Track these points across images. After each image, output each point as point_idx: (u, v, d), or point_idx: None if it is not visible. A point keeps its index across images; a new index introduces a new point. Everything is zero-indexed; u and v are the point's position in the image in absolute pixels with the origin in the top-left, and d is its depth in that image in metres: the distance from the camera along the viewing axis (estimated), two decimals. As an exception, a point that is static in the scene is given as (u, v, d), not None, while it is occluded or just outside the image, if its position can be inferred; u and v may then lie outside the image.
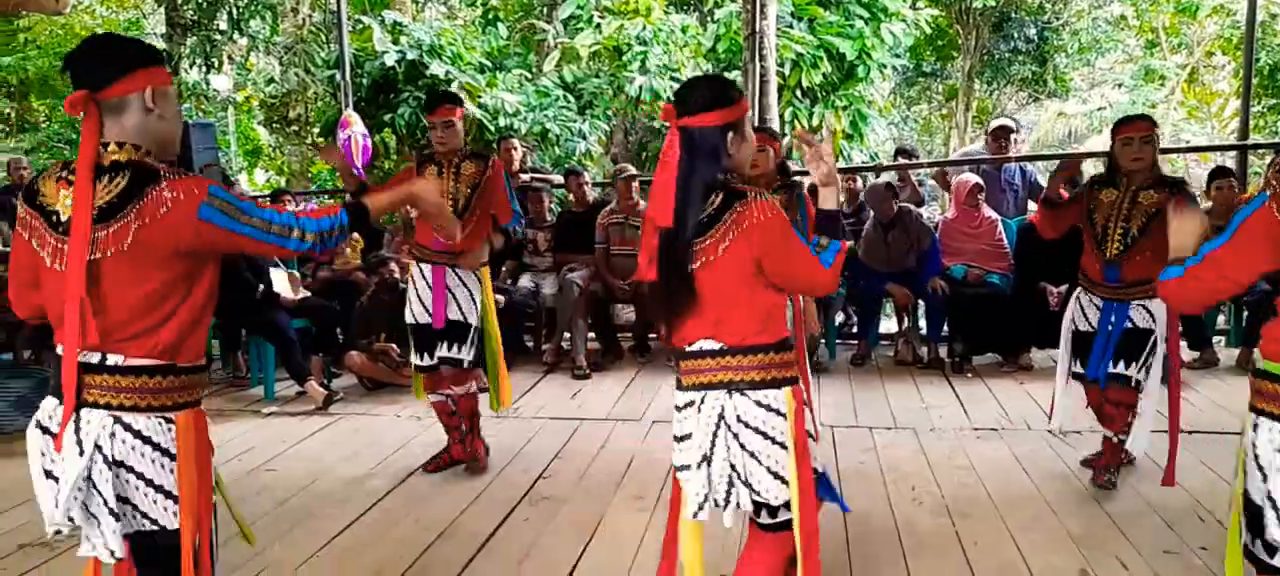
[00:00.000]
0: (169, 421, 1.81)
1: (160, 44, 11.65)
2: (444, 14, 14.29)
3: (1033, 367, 5.89)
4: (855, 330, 6.80)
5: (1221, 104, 16.62)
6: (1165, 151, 3.72)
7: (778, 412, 1.99)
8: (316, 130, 11.69)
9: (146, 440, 1.78)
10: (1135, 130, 3.54)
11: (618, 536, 3.37)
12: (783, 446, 1.99)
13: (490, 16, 12.15)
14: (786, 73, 10.08)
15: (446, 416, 4.18)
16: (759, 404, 1.99)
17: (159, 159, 1.83)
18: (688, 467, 2.05)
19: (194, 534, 1.83)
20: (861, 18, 10.66)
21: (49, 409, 1.81)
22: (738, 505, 2.04)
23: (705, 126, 1.98)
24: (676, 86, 2.17)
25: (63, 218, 1.76)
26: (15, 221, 1.87)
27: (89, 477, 1.76)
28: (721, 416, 2.00)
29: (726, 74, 10.37)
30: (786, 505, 2.03)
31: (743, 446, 2.00)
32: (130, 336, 1.76)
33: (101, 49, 1.82)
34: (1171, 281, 1.95)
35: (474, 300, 4.01)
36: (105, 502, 1.76)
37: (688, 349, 2.04)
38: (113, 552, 1.79)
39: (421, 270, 4.02)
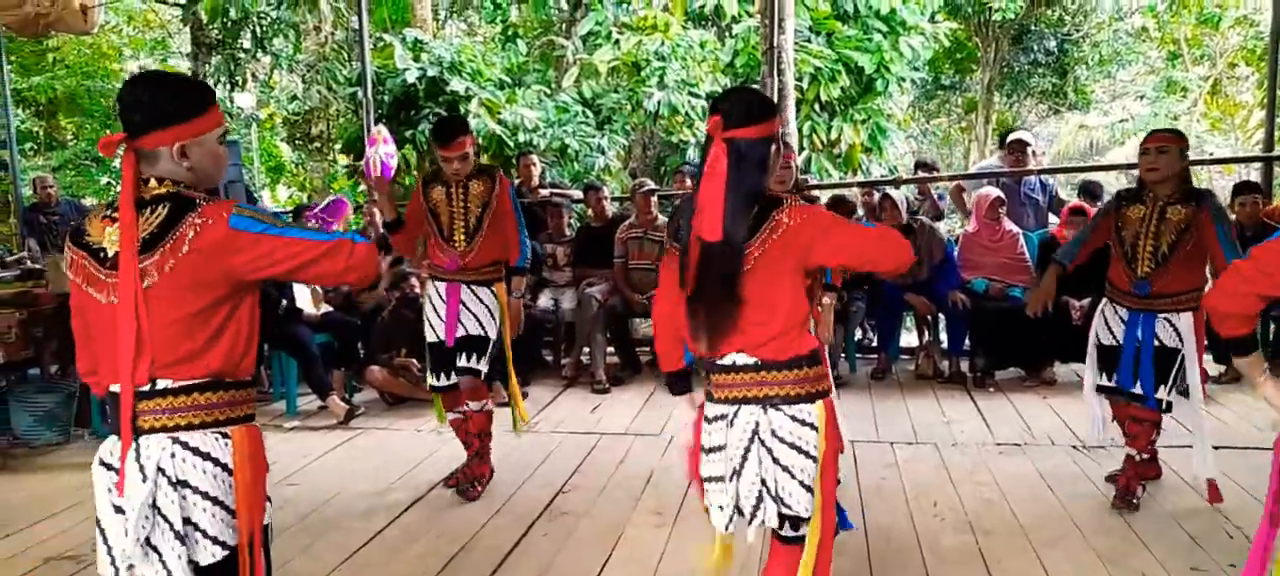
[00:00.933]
0: (225, 437, 1.84)
1: (185, 64, 11.83)
2: (464, 31, 14.43)
3: (1056, 382, 5.83)
4: (875, 344, 6.77)
5: (1245, 115, 16.45)
6: (1191, 164, 3.67)
7: (811, 426, 2.02)
8: (338, 147, 11.81)
9: (205, 456, 1.81)
10: (1153, 141, 3.53)
11: (637, 551, 3.37)
12: (814, 459, 2.02)
13: (510, 33, 12.24)
14: (805, 87, 10.09)
15: (465, 433, 4.20)
16: (794, 419, 2.01)
17: (199, 190, 1.88)
18: (718, 480, 2.07)
19: (248, 546, 1.85)
20: (880, 32, 10.65)
21: (110, 446, 1.85)
22: (763, 520, 2.04)
23: (753, 138, 1.99)
24: (702, 100, 2.16)
25: (110, 253, 1.81)
26: (64, 258, 1.91)
27: (154, 505, 1.78)
28: (756, 431, 2.01)
29: (745, 88, 10.37)
30: (794, 521, 2.05)
31: (776, 460, 2.01)
32: (179, 359, 1.79)
33: (142, 96, 1.86)
34: (1220, 282, 1.94)
35: (492, 315, 4.03)
36: (171, 527, 1.78)
37: (720, 362, 2.05)
38: None
39: (436, 288, 4.04)
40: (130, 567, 1.81)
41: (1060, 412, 5.13)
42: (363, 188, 9.54)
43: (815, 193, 4.29)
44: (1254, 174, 7.33)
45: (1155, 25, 16.65)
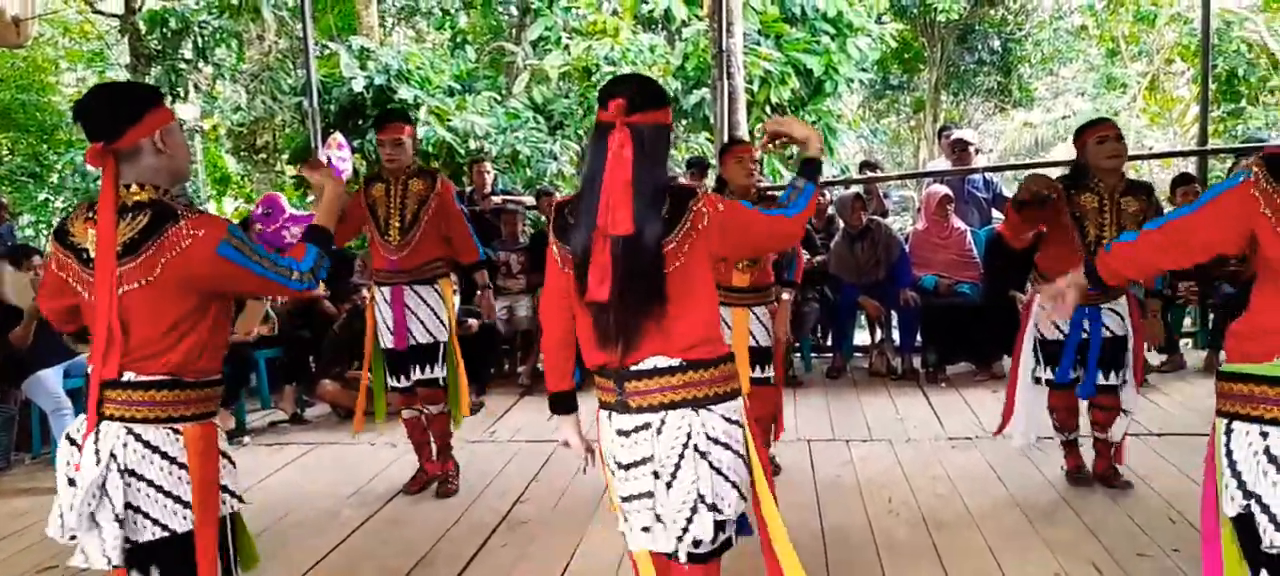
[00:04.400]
0: (176, 432, 1.96)
1: (125, 75, 11.55)
2: (412, 38, 14.28)
3: (1005, 375, 5.93)
4: (830, 343, 6.83)
5: (1182, 110, 16.92)
6: (1130, 158, 3.75)
7: (739, 424, 1.96)
8: (285, 157, 11.61)
9: (155, 449, 1.94)
10: (1109, 129, 3.55)
11: (596, 559, 3.36)
12: (743, 458, 1.95)
13: (459, 40, 12.15)
14: (755, 89, 10.15)
15: (417, 434, 4.22)
16: (725, 418, 1.93)
17: (173, 188, 2.02)
18: (640, 497, 1.92)
19: (209, 536, 1.98)
20: (828, 34, 10.77)
21: (78, 424, 1.98)
22: (696, 536, 1.90)
23: (657, 124, 1.91)
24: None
25: (91, 254, 1.93)
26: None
27: (102, 485, 1.89)
28: (689, 436, 1.89)
29: (695, 91, 10.44)
30: (722, 526, 1.95)
31: (712, 466, 1.90)
32: (146, 356, 1.92)
33: (109, 100, 1.96)
34: (1121, 244, 1.94)
35: (438, 317, 4.03)
36: (113, 508, 1.89)
37: (635, 369, 1.91)
38: (109, 560, 1.91)
39: (381, 293, 4.02)
40: (72, 537, 1.93)
41: (1010, 405, 5.22)
42: (310, 198, 9.38)
43: (772, 194, 4.35)
44: (1190, 167, 7.54)
45: (1094, 23, 17.05)
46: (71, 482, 1.92)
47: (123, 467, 1.90)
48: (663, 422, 1.90)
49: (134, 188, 1.93)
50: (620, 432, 1.95)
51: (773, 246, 2.10)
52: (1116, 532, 3.34)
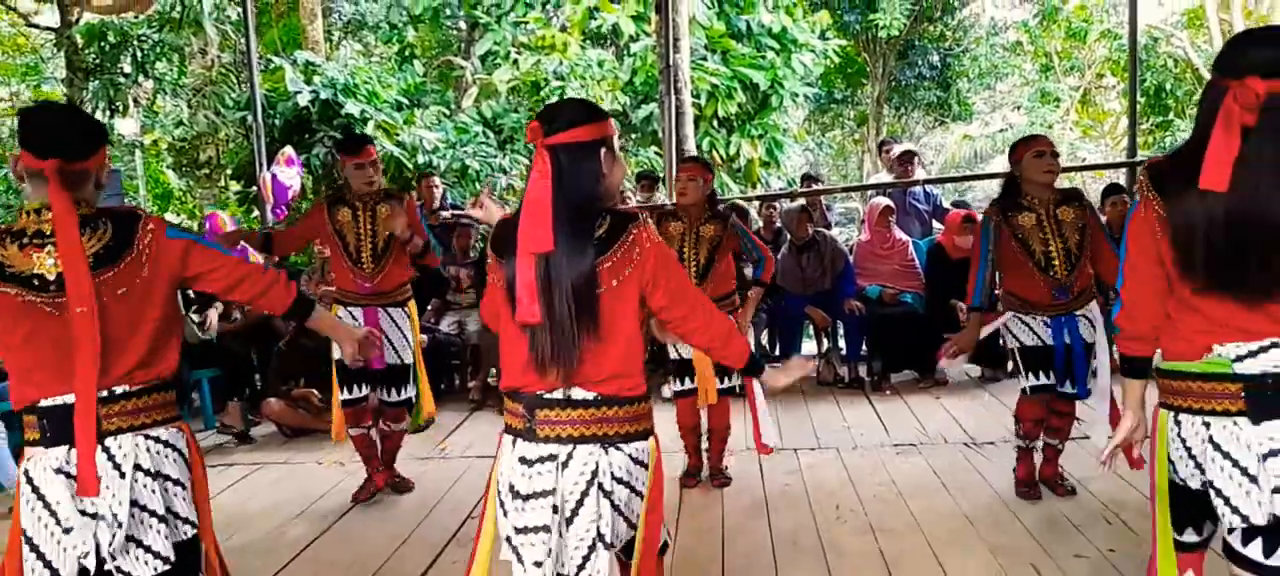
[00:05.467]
0: (180, 429, 2.04)
1: (61, 89, 11.25)
2: (360, 51, 14.14)
3: (948, 382, 6.09)
4: (778, 353, 6.93)
5: (1113, 123, 17.51)
6: (1063, 170, 3.87)
7: (644, 465, 1.93)
8: (229, 172, 11.40)
9: (171, 446, 1.99)
10: (1044, 145, 3.62)
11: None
12: (641, 497, 1.92)
13: (406, 54, 12.06)
14: (702, 104, 10.28)
15: (366, 448, 4.26)
16: (632, 458, 1.90)
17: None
18: (536, 530, 1.84)
19: (210, 522, 2.08)
20: (773, 49, 10.96)
21: (60, 455, 1.88)
22: (592, 573, 1.86)
23: (577, 142, 1.87)
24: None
25: (50, 277, 1.89)
26: None
27: (133, 499, 1.89)
28: (595, 473, 1.85)
29: (644, 106, 10.52)
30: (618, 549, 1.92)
31: (614, 505, 1.87)
32: (138, 365, 1.94)
33: (76, 123, 1.99)
34: (1118, 316, 1.98)
35: (407, 338, 4.11)
36: (155, 515, 1.92)
37: (547, 397, 1.87)
38: (168, 559, 1.92)
39: (351, 313, 4.01)
40: (102, 564, 1.87)
41: (952, 411, 5.36)
42: (255, 214, 9.24)
43: (724, 206, 4.41)
44: (1121, 178, 7.82)
45: (1028, 39, 17.57)
46: (85, 514, 1.85)
47: (153, 472, 1.93)
48: (569, 456, 1.86)
49: (83, 204, 1.96)
50: (523, 460, 1.89)
51: (698, 339, 2.01)
52: (1055, 534, 3.45)
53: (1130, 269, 1.91)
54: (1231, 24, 14.10)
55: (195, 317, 5.84)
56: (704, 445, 4.37)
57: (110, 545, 1.85)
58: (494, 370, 6.29)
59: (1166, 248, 1.80)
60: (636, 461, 1.91)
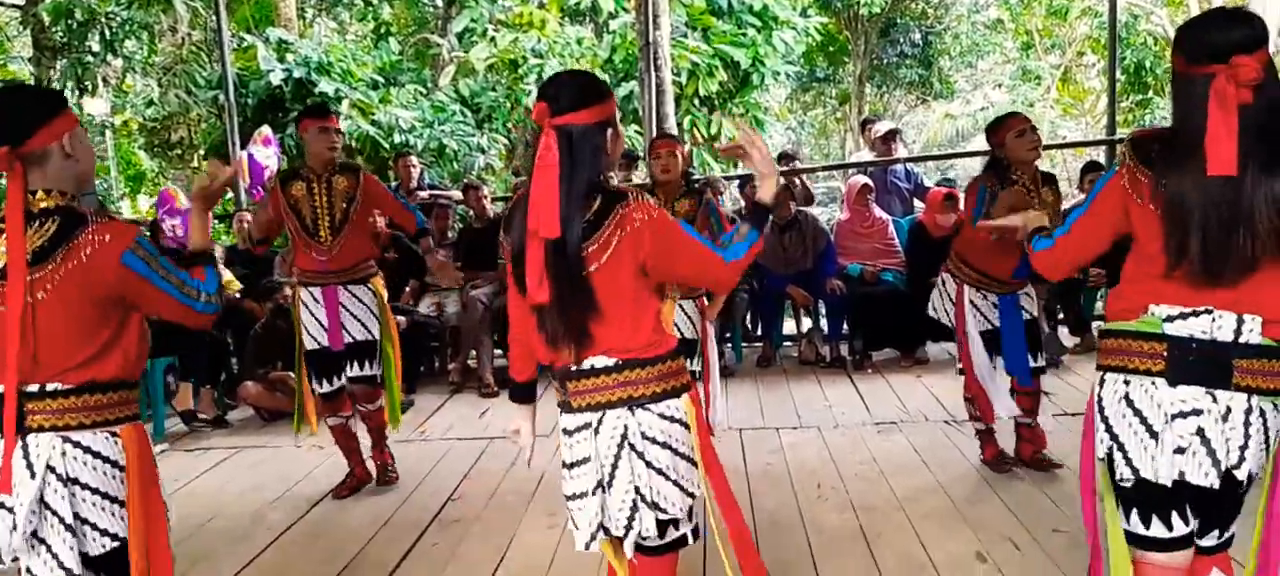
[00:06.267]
0: (114, 436, 1.92)
1: (28, 68, 11.03)
2: (334, 29, 13.96)
3: (928, 360, 6.10)
4: (759, 333, 6.92)
5: (1093, 101, 17.57)
6: (1044, 148, 3.88)
7: (682, 423, 1.94)
8: (201, 152, 11.24)
9: (96, 454, 1.89)
10: (1026, 122, 3.63)
11: (531, 555, 3.34)
12: (689, 459, 1.95)
13: (382, 32, 11.91)
14: (683, 82, 10.21)
15: (346, 439, 4.14)
16: (663, 416, 1.92)
17: (80, 193, 1.96)
18: (582, 496, 1.95)
19: (144, 539, 1.92)
20: (754, 26, 10.89)
21: None
22: (641, 531, 1.93)
23: (585, 123, 1.87)
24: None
25: None
26: None
27: (42, 500, 1.84)
28: (625, 436, 1.90)
29: (624, 84, 10.45)
30: (675, 523, 1.98)
31: (649, 464, 1.91)
32: (73, 365, 1.87)
33: (17, 102, 1.92)
34: (1043, 251, 2.06)
35: (373, 314, 3.97)
36: (62, 520, 1.84)
37: (577, 368, 1.93)
38: (71, 571, 1.85)
39: (311, 294, 3.92)
40: (15, 559, 1.86)
41: (933, 389, 5.37)
42: (230, 195, 9.11)
43: (700, 183, 4.38)
44: (1100, 156, 7.84)
45: (1009, 17, 17.58)
46: (1, 507, 1.83)
47: (64, 476, 1.85)
48: (600, 421, 1.92)
49: (40, 194, 1.88)
50: (566, 432, 1.99)
51: (698, 283, 2.08)
52: (1034, 510, 3.46)
53: (1082, 224, 1.95)
54: (1210, 1, 14.16)
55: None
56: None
57: (11, 544, 1.82)
58: (474, 353, 6.25)
59: (1149, 219, 1.79)
60: (669, 419, 1.93)
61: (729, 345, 6.50)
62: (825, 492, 3.81)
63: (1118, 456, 1.85)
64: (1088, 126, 17.22)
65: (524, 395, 2.21)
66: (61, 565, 1.85)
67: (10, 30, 13.53)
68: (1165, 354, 1.77)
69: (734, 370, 6.23)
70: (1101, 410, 1.89)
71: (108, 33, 9.50)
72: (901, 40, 17.01)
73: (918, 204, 6.95)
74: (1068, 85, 18.02)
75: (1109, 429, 1.87)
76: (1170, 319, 1.77)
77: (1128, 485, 1.86)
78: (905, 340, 6.18)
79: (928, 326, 6.06)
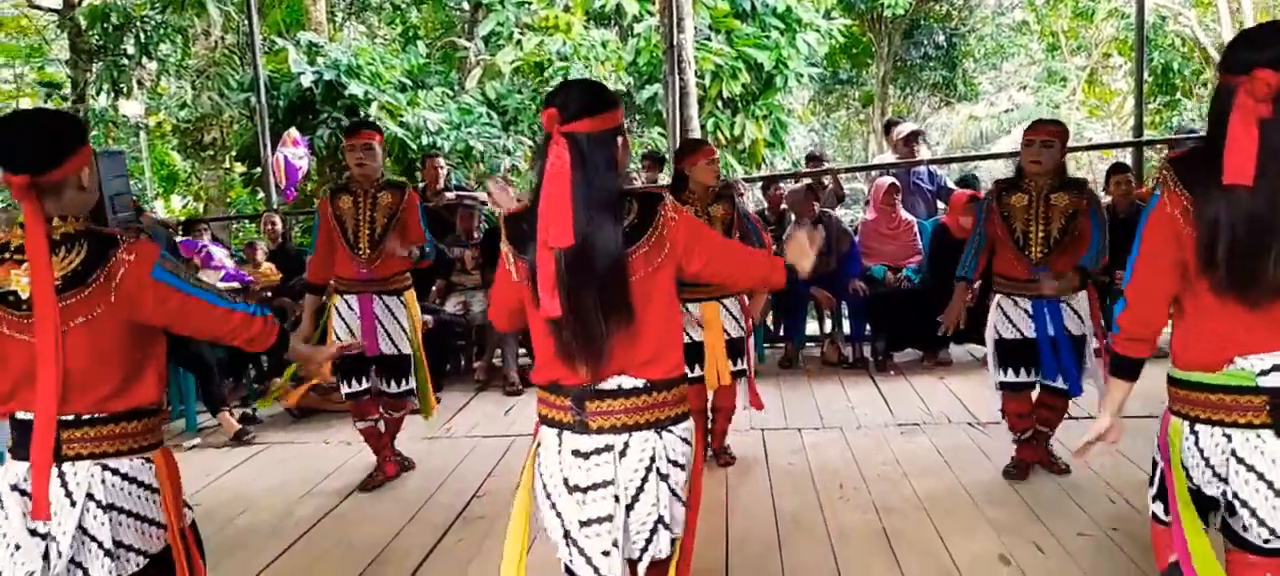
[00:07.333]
0: (148, 461, 1.96)
1: (64, 71, 11.24)
2: (363, 33, 14.11)
3: (951, 362, 6.08)
4: (782, 333, 6.94)
5: (1120, 102, 17.40)
6: (1069, 151, 3.86)
7: (690, 443, 1.94)
8: (233, 153, 11.41)
9: (133, 480, 1.93)
10: (1037, 133, 3.63)
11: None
12: (689, 477, 1.95)
13: (410, 35, 12.01)
14: (707, 84, 10.23)
15: (376, 440, 4.26)
16: (682, 439, 1.91)
17: (86, 213, 1.96)
18: (599, 521, 1.85)
19: (183, 555, 1.99)
20: (777, 28, 10.89)
21: (21, 471, 1.87)
22: (655, 554, 1.90)
23: (596, 131, 1.81)
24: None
25: (23, 297, 1.84)
26: None
27: (81, 527, 1.86)
28: (653, 460, 1.86)
29: (648, 87, 10.48)
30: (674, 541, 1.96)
31: (670, 488, 1.89)
32: (106, 394, 1.88)
33: (44, 131, 1.88)
34: (1121, 314, 1.94)
35: (403, 328, 4.08)
36: (101, 546, 1.87)
37: (598, 388, 1.83)
38: None
39: (346, 302, 4.02)
40: None
41: (955, 391, 5.37)
42: (260, 195, 9.25)
43: (729, 185, 4.41)
44: (1127, 157, 7.78)
45: (1035, 19, 17.47)
46: (35, 534, 1.84)
47: (104, 503, 1.87)
48: (626, 445, 1.85)
49: (57, 221, 1.87)
50: (577, 454, 1.86)
51: (752, 277, 2.03)
52: (1058, 514, 3.46)
53: (1141, 266, 1.88)
54: (1239, 2, 13.99)
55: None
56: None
57: (52, 570, 1.85)
58: (499, 351, 6.31)
59: (1190, 242, 1.77)
60: (685, 441, 1.92)
61: (752, 345, 6.51)
62: (847, 493, 3.83)
63: (1243, 512, 1.78)
64: (1114, 128, 17.04)
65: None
66: None
67: (48, 33, 13.80)
68: (1266, 407, 1.73)
69: (757, 370, 6.23)
70: (1207, 461, 1.82)
71: (143, 36, 9.68)
72: (925, 42, 16.92)
73: (941, 206, 6.93)
74: (1094, 87, 17.86)
75: (1217, 475, 1.81)
76: (1264, 372, 1.73)
77: (1267, 542, 1.78)
78: (928, 342, 6.16)
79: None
